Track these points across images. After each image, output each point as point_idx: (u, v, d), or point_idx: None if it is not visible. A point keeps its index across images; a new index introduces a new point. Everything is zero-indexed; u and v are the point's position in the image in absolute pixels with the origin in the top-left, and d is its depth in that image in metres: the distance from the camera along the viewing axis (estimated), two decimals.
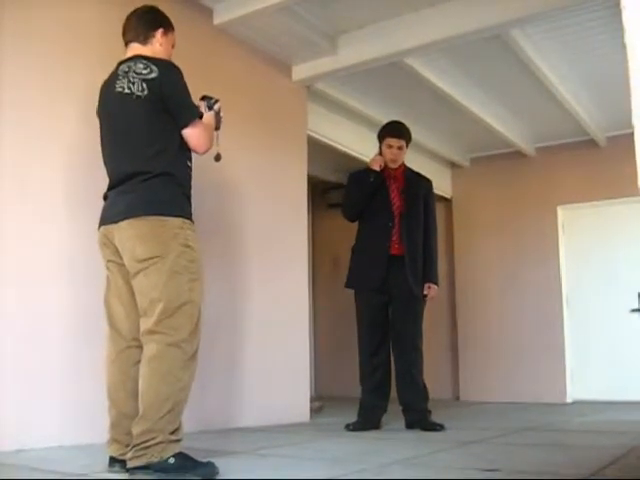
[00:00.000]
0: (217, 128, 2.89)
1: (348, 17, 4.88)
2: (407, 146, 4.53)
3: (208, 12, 4.62)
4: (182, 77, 2.67)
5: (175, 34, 2.93)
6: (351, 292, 4.52)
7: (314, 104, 5.85)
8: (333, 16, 4.85)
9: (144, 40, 2.80)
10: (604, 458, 2.85)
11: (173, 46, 2.92)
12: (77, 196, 3.52)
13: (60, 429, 3.32)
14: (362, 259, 4.44)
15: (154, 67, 2.63)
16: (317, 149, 6.09)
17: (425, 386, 4.37)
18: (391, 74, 5.61)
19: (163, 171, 2.59)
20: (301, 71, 5.39)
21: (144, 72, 2.62)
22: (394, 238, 4.36)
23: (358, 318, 4.47)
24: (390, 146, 4.44)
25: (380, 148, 4.51)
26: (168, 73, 2.65)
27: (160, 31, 2.83)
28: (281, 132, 5.25)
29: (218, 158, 2.92)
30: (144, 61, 2.66)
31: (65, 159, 3.54)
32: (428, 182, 4.63)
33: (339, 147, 6.41)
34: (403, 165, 4.57)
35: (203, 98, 2.89)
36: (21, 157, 3.36)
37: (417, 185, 4.53)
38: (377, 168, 4.37)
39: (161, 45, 2.82)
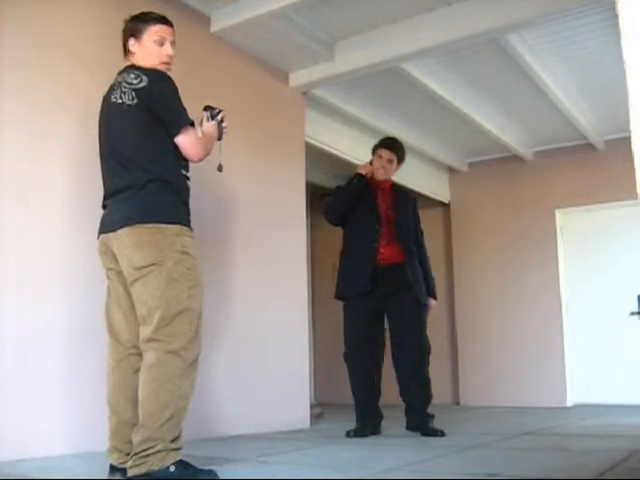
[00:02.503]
0: (219, 138, 2.90)
1: (345, 23, 4.90)
2: (399, 164, 4.58)
3: (205, 20, 4.63)
4: (172, 85, 2.67)
5: (154, 26, 2.79)
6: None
7: (312, 110, 5.86)
8: (330, 23, 4.86)
9: (126, 56, 2.84)
10: (605, 462, 2.84)
11: (158, 41, 2.78)
12: (79, 203, 3.52)
13: (60, 438, 3.31)
14: (349, 266, 4.44)
15: (144, 77, 2.65)
16: (315, 155, 6.10)
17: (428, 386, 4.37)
18: (388, 80, 5.62)
19: (159, 179, 2.60)
20: (298, 78, 5.40)
21: (134, 82, 2.65)
22: (381, 242, 4.35)
23: (345, 332, 4.38)
24: (381, 157, 4.51)
25: (371, 160, 4.56)
26: (157, 82, 2.65)
27: (131, 41, 2.81)
28: (279, 139, 5.25)
29: (221, 168, 2.92)
30: (136, 71, 2.69)
31: (67, 164, 3.54)
32: (414, 199, 4.71)
33: (337, 153, 6.41)
34: (391, 181, 4.63)
35: (206, 108, 2.90)
36: (22, 161, 3.36)
37: (405, 200, 4.60)
38: (362, 172, 4.44)
39: (137, 53, 2.80)
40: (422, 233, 4.65)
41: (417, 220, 4.61)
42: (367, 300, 4.31)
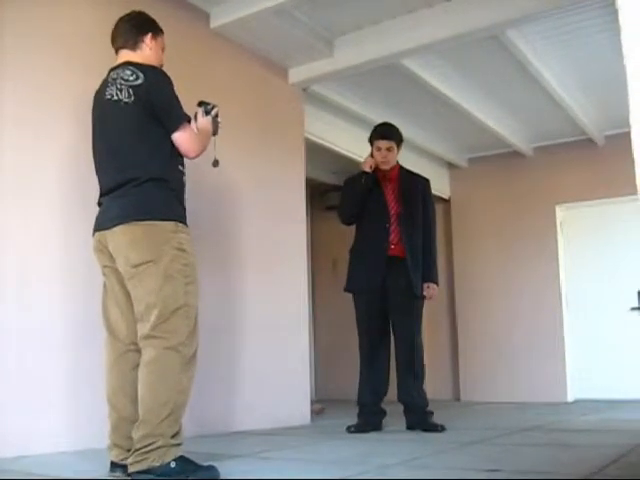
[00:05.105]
0: (214, 133, 2.90)
1: (344, 19, 4.89)
2: (399, 147, 4.52)
3: (205, 16, 4.62)
4: (169, 82, 2.68)
5: (164, 37, 2.93)
6: (350, 295, 4.52)
7: (311, 106, 5.85)
8: (329, 18, 4.86)
9: (133, 46, 2.81)
10: (606, 457, 2.85)
11: (163, 49, 2.92)
12: (77, 200, 3.51)
13: (60, 435, 3.32)
14: (360, 261, 4.44)
15: (140, 74, 2.64)
16: (315, 151, 6.10)
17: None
18: (388, 76, 5.61)
19: (154, 176, 2.60)
20: (298, 74, 5.39)
21: (131, 79, 2.63)
22: (392, 239, 4.36)
23: (358, 322, 4.46)
24: (379, 148, 4.44)
25: (371, 151, 4.51)
26: (154, 79, 2.65)
27: (149, 36, 2.83)
28: (278, 135, 5.25)
29: (216, 164, 2.92)
30: (132, 67, 2.67)
31: (64, 162, 3.54)
32: (425, 181, 4.62)
33: (337, 149, 6.40)
34: (398, 166, 4.57)
35: (200, 104, 2.89)
36: (20, 159, 3.36)
37: (413, 185, 4.53)
38: (367, 169, 4.38)
39: (151, 50, 2.82)
40: (434, 213, 4.60)
41: (427, 203, 4.54)
42: (375, 295, 4.33)
